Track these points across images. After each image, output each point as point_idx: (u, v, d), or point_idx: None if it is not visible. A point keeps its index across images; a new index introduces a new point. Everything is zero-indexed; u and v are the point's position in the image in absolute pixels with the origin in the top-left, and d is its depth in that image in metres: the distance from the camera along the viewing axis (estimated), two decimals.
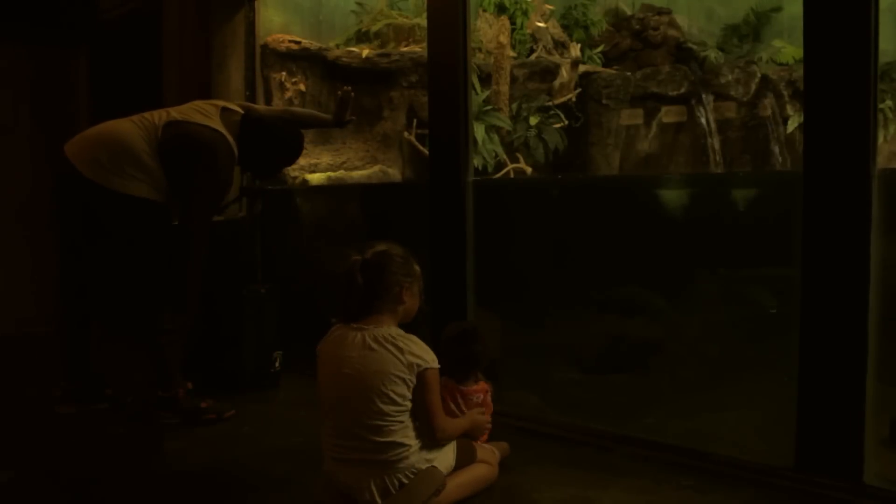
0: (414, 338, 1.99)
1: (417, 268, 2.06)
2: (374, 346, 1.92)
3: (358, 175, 4.17)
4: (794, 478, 2.10)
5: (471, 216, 2.91)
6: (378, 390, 1.89)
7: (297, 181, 4.06)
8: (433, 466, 1.96)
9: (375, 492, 1.90)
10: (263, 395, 3.18)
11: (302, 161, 4.09)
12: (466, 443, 2.14)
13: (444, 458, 2.01)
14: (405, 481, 1.91)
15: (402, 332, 1.99)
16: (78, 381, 2.94)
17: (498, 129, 4.36)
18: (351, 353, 1.93)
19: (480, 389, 2.32)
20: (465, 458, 2.09)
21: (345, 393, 1.93)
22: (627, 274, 2.96)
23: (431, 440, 1.98)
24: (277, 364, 3.30)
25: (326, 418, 2.00)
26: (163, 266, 2.85)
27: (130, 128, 2.80)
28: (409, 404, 1.93)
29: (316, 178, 4.05)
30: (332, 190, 3.97)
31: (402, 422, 1.92)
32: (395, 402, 1.90)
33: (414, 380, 1.92)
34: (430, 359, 1.96)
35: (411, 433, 1.94)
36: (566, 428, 2.62)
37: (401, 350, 1.92)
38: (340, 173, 4.15)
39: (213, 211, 2.96)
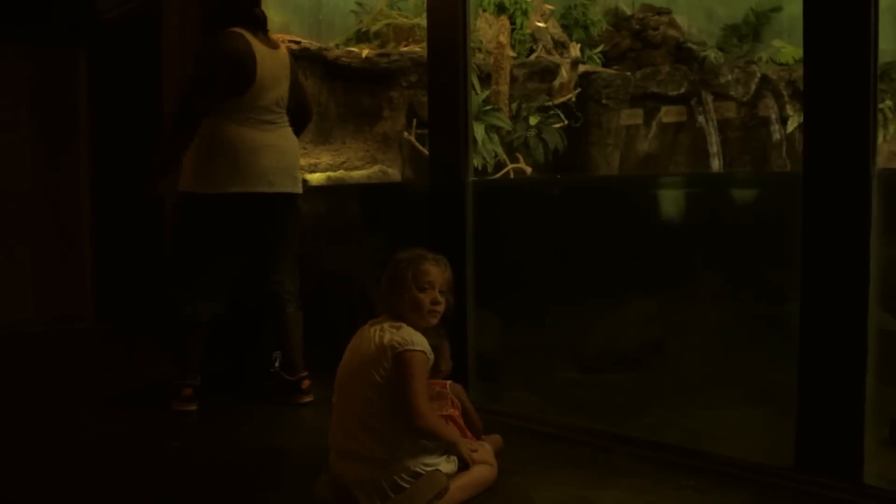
0: (405, 326, 1.97)
1: (403, 270, 2.01)
2: (374, 334, 1.97)
3: (358, 175, 4.17)
4: (794, 478, 2.10)
5: (470, 216, 2.91)
6: (367, 379, 1.91)
7: None
8: (437, 470, 1.95)
9: (374, 493, 1.89)
10: (264, 395, 3.18)
11: (302, 161, 4.08)
12: (472, 444, 2.13)
13: (448, 462, 2.00)
14: (403, 485, 1.90)
15: (402, 324, 1.98)
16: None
17: (498, 129, 4.36)
18: (360, 343, 2.00)
19: (438, 383, 2.16)
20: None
21: (345, 380, 1.99)
22: (627, 274, 2.96)
23: (413, 434, 1.92)
24: (277, 364, 3.30)
25: (334, 409, 2.03)
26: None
27: None
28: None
29: (316, 178, 4.04)
30: (332, 190, 3.96)
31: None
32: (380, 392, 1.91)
33: (389, 363, 1.91)
34: (413, 341, 1.92)
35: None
36: (566, 428, 2.61)
37: (383, 335, 1.94)
38: (340, 173, 4.14)
39: (199, 95, 2.80)
